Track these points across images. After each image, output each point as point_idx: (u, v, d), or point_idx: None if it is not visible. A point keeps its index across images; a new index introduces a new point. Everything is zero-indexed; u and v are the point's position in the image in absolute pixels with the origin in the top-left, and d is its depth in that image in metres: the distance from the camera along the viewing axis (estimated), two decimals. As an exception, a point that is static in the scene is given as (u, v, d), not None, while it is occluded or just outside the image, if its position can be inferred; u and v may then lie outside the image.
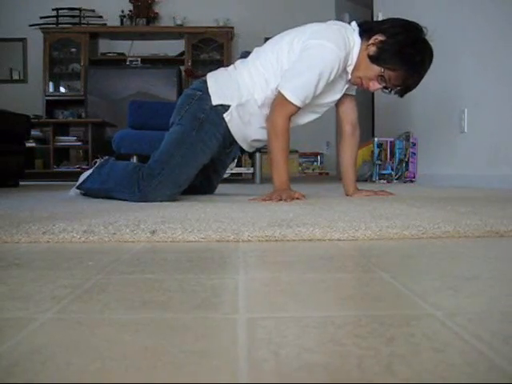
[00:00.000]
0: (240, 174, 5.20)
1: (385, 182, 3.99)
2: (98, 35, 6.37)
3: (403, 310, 0.46)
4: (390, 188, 2.48)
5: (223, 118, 1.80)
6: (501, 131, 2.98)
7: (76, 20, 6.26)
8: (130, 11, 6.26)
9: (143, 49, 6.31)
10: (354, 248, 0.82)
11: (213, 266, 0.69)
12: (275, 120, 1.74)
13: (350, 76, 1.81)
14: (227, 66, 2.00)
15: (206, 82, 1.85)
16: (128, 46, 6.30)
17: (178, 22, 6.26)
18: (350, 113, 2.02)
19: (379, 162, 4.09)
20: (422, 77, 1.79)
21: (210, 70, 1.97)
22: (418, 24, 1.78)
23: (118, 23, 6.29)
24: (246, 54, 2.98)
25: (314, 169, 6.56)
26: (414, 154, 4.06)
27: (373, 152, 4.11)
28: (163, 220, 1.06)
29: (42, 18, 6.17)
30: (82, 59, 6.15)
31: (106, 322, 0.43)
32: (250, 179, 4.90)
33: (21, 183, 3.71)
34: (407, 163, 4.08)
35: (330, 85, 1.78)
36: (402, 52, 1.70)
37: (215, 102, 1.79)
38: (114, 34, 6.34)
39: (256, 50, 1.92)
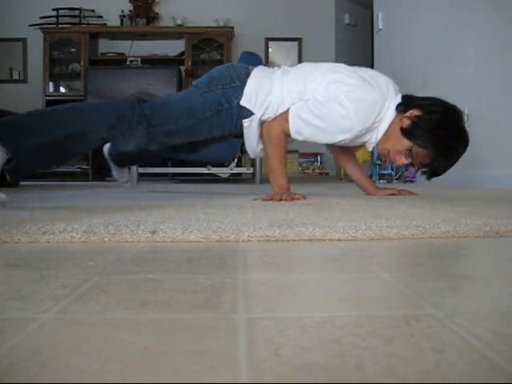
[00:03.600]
0: (240, 174, 5.21)
1: (385, 181, 3.99)
2: (97, 35, 6.37)
3: (403, 310, 0.46)
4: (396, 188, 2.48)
5: (242, 122, 1.77)
6: (501, 131, 2.98)
7: (76, 20, 6.26)
8: (130, 11, 6.25)
9: (143, 49, 6.31)
10: (354, 248, 0.82)
11: (213, 265, 0.69)
12: (271, 127, 1.74)
13: (370, 147, 1.81)
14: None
15: (248, 75, 1.78)
16: (128, 46, 6.30)
17: (178, 22, 6.26)
18: None
19: (379, 162, 4.09)
20: (451, 163, 1.71)
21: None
22: (458, 108, 1.72)
23: (118, 23, 6.29)
24: (246, 55, 2.98)
25: (314, 169, 6.56)
26: (414, 154, 4.06)
27: (373, 152, 4.11)
28: (163, 220, 1.06)
29: (41, 17, 6.16)
30: (82, 59, 6.14)
31: (106, 322, 0.43)
32: (250, 179, 4.90)
33: (21, 183, 3.71)
34: (407, 163, 4.07)
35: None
36: (436, 131, 1.65)
37: (243, 103, 1.75)
38: (114, 34, 6.34)
39: (302, 67, 1.86)
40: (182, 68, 6.18)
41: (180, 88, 6.06)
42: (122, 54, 6.29)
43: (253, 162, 4.24)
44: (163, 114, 1.71)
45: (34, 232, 0.90)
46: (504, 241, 0.89)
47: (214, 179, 4.76)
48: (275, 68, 1.87)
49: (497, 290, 0.54)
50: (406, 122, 1.69)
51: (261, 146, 1.87)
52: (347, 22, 6.62)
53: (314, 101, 1.71)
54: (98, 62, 6.26)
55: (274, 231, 0.90)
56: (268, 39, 6.45)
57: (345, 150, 2.04)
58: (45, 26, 6.15)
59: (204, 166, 4.14)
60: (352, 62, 1.94)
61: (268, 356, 0.34)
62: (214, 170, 4.22)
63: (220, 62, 6.12)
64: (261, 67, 1.87)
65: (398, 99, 1.74)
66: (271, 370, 0.32)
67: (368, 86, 1.72)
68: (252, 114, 1.75)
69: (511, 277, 0.63)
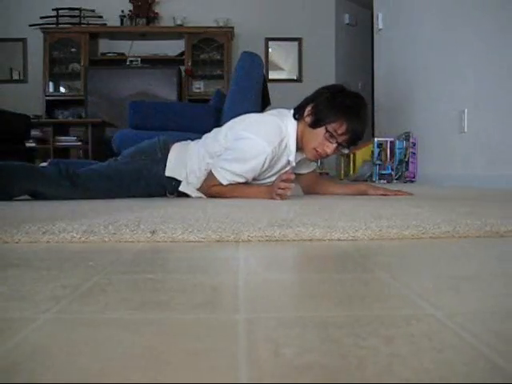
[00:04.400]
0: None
1: (385, 181, 3.99)
2: (97, 35, 6.38)
3: (403, 310, 0.46)
4: (390, 188, 2.48)
5: (168, 187, 1.96)
6: (501, 131, 2.98)
7: (76, 20, 6.26)
8: (130, 11, 6.26)
9: (143, 49, 6.31)
10: (354, 248, 0.82)
11: (213, 266, 0.69)
12: (207, 190, 1.90)
13: (293, 161, 1.92)
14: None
15: (168, 149, 1.96)
16: (128, 46, 6.30)
17: (178, 22, 6.26)
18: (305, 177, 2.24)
19: (379, 162, 4.09)
20: (363, 121, 1.86)
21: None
22: (337, 83, 1.98)
23: (118, 23, 6.29)
24: (246, 56, 2.97)
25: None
26: (414, 153, 4.06)
27: (373, 152, 4.11)
28: (163, 220, 1.06)
29: (42, 17, 6.17)
30: (82, 59, 6.15)
31: (106, 321, 0.43)
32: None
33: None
34: (407, 163, 4.08)
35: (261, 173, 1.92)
36: (334, 104, 1.82)
37: (168, 174, 1.93)
38: (114, 34, 6.34)
39: (206, 136, 2.04)
40: (182, 68, 6.18)
41: (180, 88, 6.07)
42: (122, 54, 6.29)
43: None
44: (87, 178, 1.88)
45: (34, 232, 0.90)
46: (504, 241, 0.89)
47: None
48: (195, 140, 2.05)
49: (497, 290, 0.54)
50: (309, 118, 1.85)
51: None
52: (347, 22, 6.63)
53: (223, 151, 1.89)
54: (98, 62, 6.27)
55: (274, 231, 0.90)
56: (268, 39, 6.45)
57: (318, 183, 2.29)
58: (45, 25, 6.15)
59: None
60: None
61: (268, 356, 0.34)
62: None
63: (220, 62, 6.13)
64: (181, 143, 2.05)
65: (292, 112, 1.93)
66: (271, 370, 0.32)
67: (259, 115, 2.00)
68: (178, 180, 1.95)
69: (511, 277, 0.63)
